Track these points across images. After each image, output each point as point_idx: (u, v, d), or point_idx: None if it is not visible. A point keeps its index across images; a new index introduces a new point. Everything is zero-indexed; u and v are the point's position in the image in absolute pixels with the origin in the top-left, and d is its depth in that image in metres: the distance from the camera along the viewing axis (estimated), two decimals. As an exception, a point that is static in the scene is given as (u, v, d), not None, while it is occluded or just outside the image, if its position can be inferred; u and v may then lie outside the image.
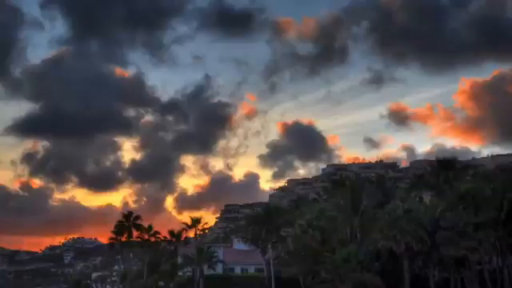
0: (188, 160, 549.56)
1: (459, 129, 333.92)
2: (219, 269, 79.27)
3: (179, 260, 78.90)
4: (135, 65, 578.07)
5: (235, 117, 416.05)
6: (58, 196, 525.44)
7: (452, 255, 55.63)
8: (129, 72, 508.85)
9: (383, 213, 58.12)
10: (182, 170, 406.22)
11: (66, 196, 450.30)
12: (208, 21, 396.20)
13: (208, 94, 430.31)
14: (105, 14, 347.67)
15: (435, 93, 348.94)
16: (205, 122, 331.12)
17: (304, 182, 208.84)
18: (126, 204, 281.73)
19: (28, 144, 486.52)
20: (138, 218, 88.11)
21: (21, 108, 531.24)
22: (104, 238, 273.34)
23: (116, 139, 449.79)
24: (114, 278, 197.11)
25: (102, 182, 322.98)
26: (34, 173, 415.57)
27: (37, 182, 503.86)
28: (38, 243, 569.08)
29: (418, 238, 55.01)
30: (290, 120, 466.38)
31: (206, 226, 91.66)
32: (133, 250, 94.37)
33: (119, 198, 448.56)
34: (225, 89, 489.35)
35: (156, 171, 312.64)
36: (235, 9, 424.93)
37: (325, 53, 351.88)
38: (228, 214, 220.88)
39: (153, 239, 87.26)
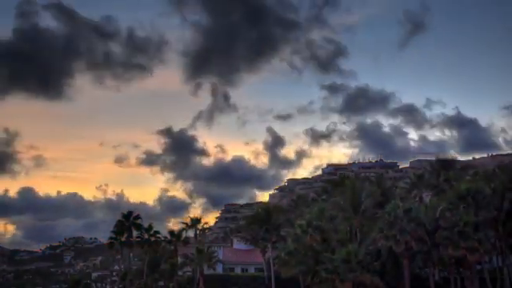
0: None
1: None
2: (219, 269, 79.34)
3: (179, 260, 78.90)
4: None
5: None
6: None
7: (452, 255, 55.58)
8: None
9: (383, 213, 58.07)
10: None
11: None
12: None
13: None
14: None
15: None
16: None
17: (304, 181, 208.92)
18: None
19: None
20: (137, 217, 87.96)
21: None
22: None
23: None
24: (113, 278, 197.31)
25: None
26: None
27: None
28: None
29: (418, 237, 54.97)
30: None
31: (206, 226, 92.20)
32: (133, 249, 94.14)
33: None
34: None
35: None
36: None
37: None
38: (228, 214, 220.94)
39: (153, 239, 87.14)
